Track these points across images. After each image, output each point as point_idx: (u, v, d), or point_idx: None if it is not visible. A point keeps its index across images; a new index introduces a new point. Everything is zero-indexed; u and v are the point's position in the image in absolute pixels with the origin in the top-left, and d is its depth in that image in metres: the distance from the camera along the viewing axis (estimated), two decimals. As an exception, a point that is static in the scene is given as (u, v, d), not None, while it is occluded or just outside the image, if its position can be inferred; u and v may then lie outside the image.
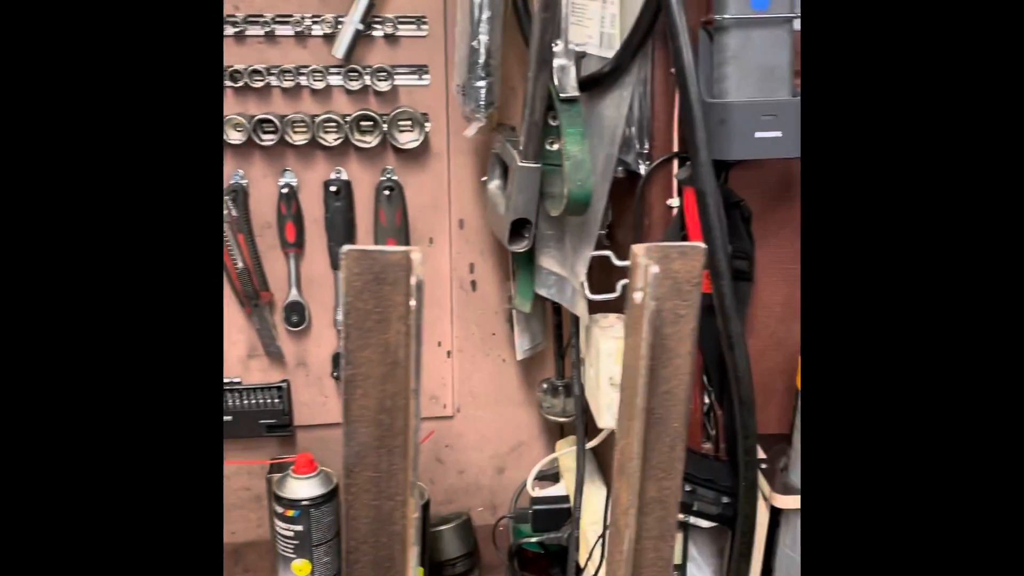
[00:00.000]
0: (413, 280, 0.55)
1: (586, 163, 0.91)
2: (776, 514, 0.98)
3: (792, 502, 0.94)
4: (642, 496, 0.64)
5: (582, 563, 1.15)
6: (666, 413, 0.62)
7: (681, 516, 0.99)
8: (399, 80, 1.24)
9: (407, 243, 1.31)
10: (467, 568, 1.42)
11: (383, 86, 1.22)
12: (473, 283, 1.37)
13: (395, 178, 1.28)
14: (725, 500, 0.97)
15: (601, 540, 1.10)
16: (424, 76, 1.25)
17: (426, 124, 1.25)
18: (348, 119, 1.23)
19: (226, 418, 1.31)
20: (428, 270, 1.34)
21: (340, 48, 1.19)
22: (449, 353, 1.40)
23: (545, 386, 1.30)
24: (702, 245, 0.59)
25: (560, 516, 1.24)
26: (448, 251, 1.35)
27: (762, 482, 0.96)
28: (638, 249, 0.58)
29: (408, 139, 1.25)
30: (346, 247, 0.56)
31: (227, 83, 1.19)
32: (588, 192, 0.92)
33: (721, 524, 0.98)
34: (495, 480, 1.48)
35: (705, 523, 0.99)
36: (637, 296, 0.57)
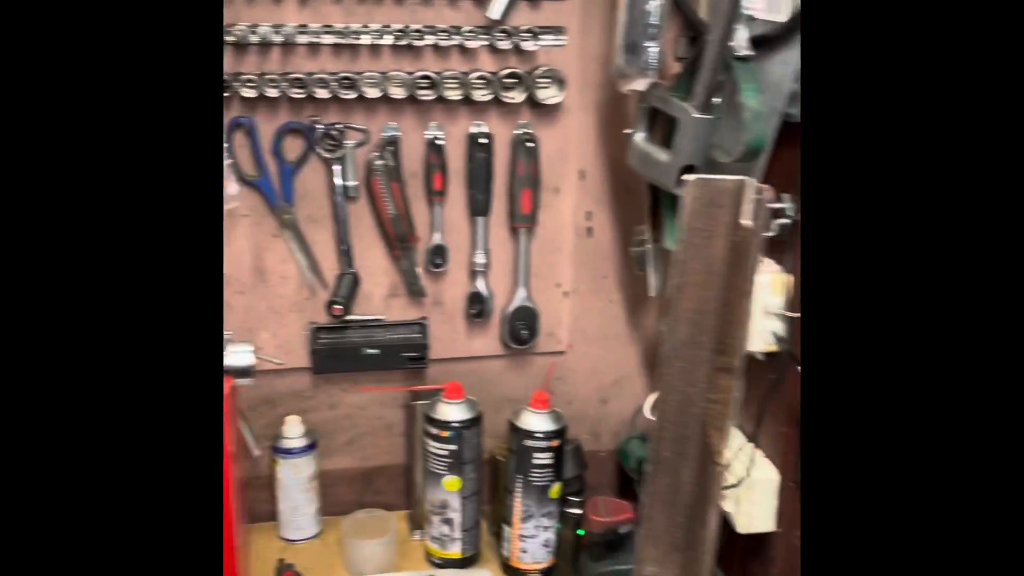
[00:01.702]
0: (751, 203, 0.68)
1: (764, 115, 1.05)
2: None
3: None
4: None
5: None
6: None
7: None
8: (540, 40, 1.35)
9: (538, 192, 1.43)
10: (579, 487, 1.57)
11: (529, 46, 1.33)
12: (589, 229, 1.50)
13: (531, 131, 1.39)
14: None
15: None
16: (561, 37, 1.36)
17: (565, 82, 1.36)
18: (496, 76, 1.34)
19: (372, 351, 1.43)
20: (552, 217, 1.47)
21: (497, 10, 1.29)
22: (566, 294, 1.53)
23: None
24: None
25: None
26: (571, 200, 1.47)
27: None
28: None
29: (547, 95, 1.37)
30: (690, 176, 0.69)
31: (388, 41, 1.29)
32: (764, 141, 1.06)
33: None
34: (599, 410, 1.63)
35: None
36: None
